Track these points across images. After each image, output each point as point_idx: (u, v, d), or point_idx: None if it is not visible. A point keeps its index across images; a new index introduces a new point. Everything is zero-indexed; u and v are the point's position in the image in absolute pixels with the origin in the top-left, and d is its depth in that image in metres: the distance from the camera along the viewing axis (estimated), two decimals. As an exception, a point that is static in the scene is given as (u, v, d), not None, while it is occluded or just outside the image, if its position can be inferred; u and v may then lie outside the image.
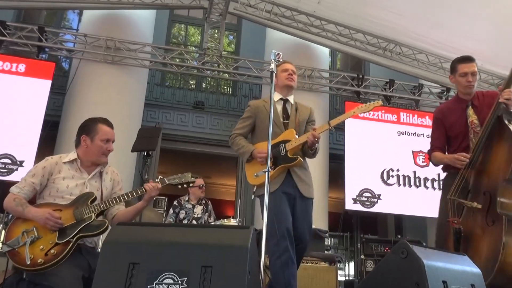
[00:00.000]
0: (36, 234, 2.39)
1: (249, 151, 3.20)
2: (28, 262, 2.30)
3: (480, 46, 7.54)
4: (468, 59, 3.26)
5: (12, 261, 2.37)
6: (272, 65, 3.20)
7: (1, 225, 6.45)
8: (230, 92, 10.18)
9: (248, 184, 8.56)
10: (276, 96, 3.33)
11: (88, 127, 2.72)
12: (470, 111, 3.19)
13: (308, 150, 3.20)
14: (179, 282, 1.69)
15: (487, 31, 7.08)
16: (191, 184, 2.81)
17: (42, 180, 2.56)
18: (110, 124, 2.78)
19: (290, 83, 3.33)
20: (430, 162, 3.49)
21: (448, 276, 2.01)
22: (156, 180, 2.70)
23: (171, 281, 1.69)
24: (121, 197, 2.61)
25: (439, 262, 2.07)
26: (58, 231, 2.41)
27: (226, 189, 13.37)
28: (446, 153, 3.35)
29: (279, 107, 3.33)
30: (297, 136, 3.18)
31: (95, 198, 2.58)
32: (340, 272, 6.53)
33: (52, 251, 2.36)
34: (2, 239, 8.05)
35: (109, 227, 2.49)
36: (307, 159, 3.34)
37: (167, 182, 2.71)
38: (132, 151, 4.87)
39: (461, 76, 3.21)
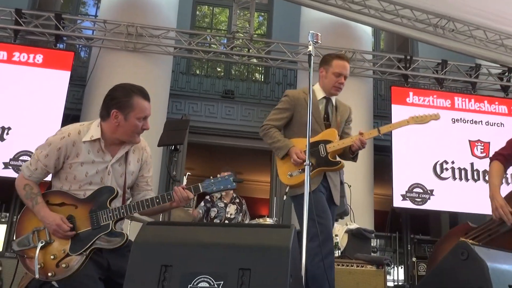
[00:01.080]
0: (48, 238, 2.32)
1: (287, 148, 3.16)
2: (37, 276, 2.24)
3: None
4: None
5: (21, 263, 2.34)
6: (310, 47, 3.18)
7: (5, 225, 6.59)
8: (262, 80, 10.19)
9: (283, 180, 8.57)
10: (319, 93, 3.32)
11: (121, 101, 2.40)
12: None
13: (349, 153, 3.19)
14: (215, 286, 1.71)
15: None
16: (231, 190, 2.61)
17: (56, 163, 2.39)
18: (147, 97, 2.47)
19: (336, 92, 3.32)
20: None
21: (515, 279, 1.97)
22: (195, 185, 2.44)
23: (207, 285, 1.72)
24: (145, 202, 2.40)
25: (505, 265, 2.03)
26: (71, 238, 2.32)
27: (260, 186, 13.42)
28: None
29: (321, 105, 3.30)
30: (338, 138, 3.17)
31: (117, 195, 2.41)
32: (388, 276, 6.49)
33: (63, 264, 2.28)
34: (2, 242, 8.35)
35: (128, 240, 2.35)
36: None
37: (201, 190, 2.44)
38: (158, 145, 4.96)
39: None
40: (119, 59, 7.74)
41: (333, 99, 3.35)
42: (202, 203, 5.66)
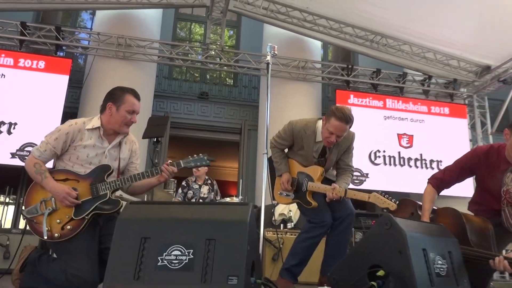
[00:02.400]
0: (54, 206, 2.32)
1: (280, 172, 3.08)
2: (45, 237, 2.25)
3: (459, 36, 7.49)
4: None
5: (30, 229, 2.32)
6: (268, 57, 3.18)
7: (8, 206, 6.41)
8: (232, 83, 10.13)
9: (248, 166, 8.59)
10: (319, 136, 2.98)
11: (115, 96, 2.50)
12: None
13: None
14: (186, 253, 1.71)
15: (465, 22, 7.02)
16: (206, 167, 2.65)
17: (63, 145, 2.41)
18: (137, 96, 2.56)
19: (327, 144, 2.98)
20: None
21: (427, 244, 2.03)
22: (178, 161, 2.52)
23: (179, 253, 1.71)
24: (137, 176, 2.46)
25: (420, 232, 2.09)
26: (75, 206, 2.33)
27: (229, 171, 13.41)
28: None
29: (317, 146, 3.01)
30: (324, 174, 2.99)
31: (112, 171, 2.45)
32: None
33: (68, 226, 2.29)
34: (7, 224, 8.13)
35: (123, 206, 2.44)
36: None
37: (182, 165, 2.51)
38: (142, 138, 4.89)
39: None
40: (110, 66, 7.55)
41: None
42: (180, 190, 5.58)
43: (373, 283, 1.89)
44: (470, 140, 8.52)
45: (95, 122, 2.50)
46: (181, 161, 2.53)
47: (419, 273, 1.86)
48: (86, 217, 2.32)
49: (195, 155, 2.57)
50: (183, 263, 1.69)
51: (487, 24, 6.95)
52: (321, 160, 3.02)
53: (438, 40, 7.73)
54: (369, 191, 3.00)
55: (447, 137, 8.26)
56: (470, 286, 2.16)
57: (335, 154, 3.02)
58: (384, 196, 2.77)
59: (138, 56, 7.68)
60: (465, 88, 8.97)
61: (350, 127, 2.90)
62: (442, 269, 2.03)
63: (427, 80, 8.69)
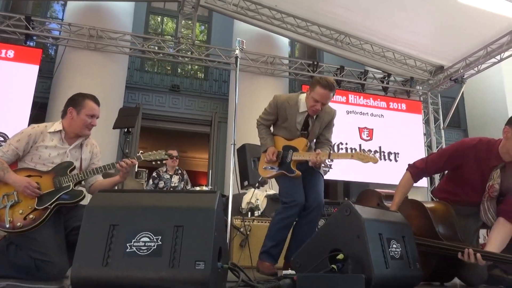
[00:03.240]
0: (16, 199, 2.28)
1: (265, 146, 3.02)
2: (7, 226, 2.21)
3: (416, 38, 7.70)
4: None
5: None
6: (237, 51, 3.15)
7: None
8: (203, 77, 10.01)
9: (218, 157, 8.55)
10: (302, 107, 2.94)
11: (76, 101, 2.54)
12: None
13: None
14: (155, 239, 1.68)
15: (422, 25, 7.22)
16: (164, 162, 2.69)
17: (26, 147, 2.41)
18: (97, 101, 2.61)
19: (312, 114, 2.93)
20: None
21: (383, 229, 2.09)
22: (138, 154, 2.58)
23: (148, 239, 1.68)
24: (99, 169, 2.48)
25: (377, 218, 2.14)
26: (38, 197, 2.30)
27: (200, 161, 13.32)
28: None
29: (300, 118, 2.96)
30: (309, 145, 2.96)
31: (74, 168, 2.45)
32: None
33: (31, 215, 2.25)
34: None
35: (86, 196, 2.40)
36: None
37: (142, 158, 2.58)
38: (113, 128, 4.77)
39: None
40: (82, 57, 7.28)
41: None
42: (150, 182, 5.48)
43: (333, 266, 1.92)
44: (424, 134, 8.82)
45: (57, 126, 2.53)
46: (141, 154, 2.60)
47: (375, 256, 1.91)
48: (49, 206, 2.30)
49: (154, 151, 2.63)
50: (151, 249, 1.66)
51: (442, 28, 7.19)
52: (304, 133, 2.98)
53: (397, 40, 7.91)
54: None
55: (404, 131, 8.51)
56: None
57: (317, 127, 2.99)
58: (365, 152, 2.77)
59: (109, 48, 7.45)
60: (420, 86, 9.26)
61: (333, 95, 2.90)
62: (396, 252, 2.09)
63: (386, 78, 8.91)
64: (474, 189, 2.48)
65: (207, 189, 4.83)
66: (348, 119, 8.24)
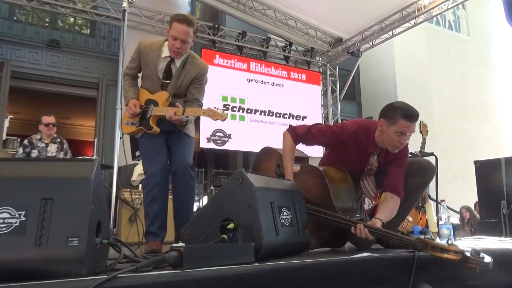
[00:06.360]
0: None
1: (127, 99, 2.89)
2: None
3: (316, 6, 8.04)
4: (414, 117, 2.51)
5: None
6: (125, 4, 2.94)
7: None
8: (88, 33, 9.19)
9: (107, 125, 8.07)
10: (166, 51, 2.85)
11: None
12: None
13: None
14: (17, 215, 1.51)
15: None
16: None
17: None
18: None
19: (174, 55, 2.83)
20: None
21: (275, 197, 2.17)
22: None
23: (8, 215, 1.51)
24: None
25: (268, 186, 2.22)
26: None
27: (85, 129, 12.45)
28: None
29: (163, 64, 2.87)
30: (171, 99, 2.85)
31: None
32: (196, 204, 6.71)
33: None
34: None
35: None
36: None
37: None
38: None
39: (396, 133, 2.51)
40: None
41: (179, 61, 2.88)
42: (20, 150, 4.88)
43: (223, 236, 1.95)
44: (322, 106, 9.39)
45: None
46: None
47: (265, 224, 1.98)
48: None
49: None
50: (12, 227, 1.49)
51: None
52: (166, 83, 2.88)
53: (298, 8, 8.17)
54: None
55: (303, 101, 8.95)
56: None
57: (181, 79, 2.88)
58: (217, 109, 2.76)
59: (-35, -12, 6.40)
60: (320, 57, 9.76)
61: (195, 32, 2.83)
62: (287, 220, 2.21)
63: (288, 47, 9.18)
64: (354, 168, 2.75)
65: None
66: (250, 87, 8.35)
